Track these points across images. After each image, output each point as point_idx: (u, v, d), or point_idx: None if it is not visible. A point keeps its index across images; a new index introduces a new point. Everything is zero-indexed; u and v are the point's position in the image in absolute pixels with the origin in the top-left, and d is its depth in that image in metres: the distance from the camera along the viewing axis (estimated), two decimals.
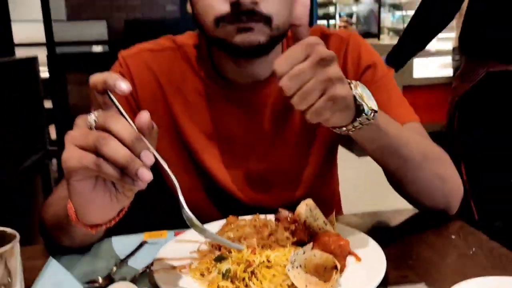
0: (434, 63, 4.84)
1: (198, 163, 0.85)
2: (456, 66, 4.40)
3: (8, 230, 0.48)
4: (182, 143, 0.84)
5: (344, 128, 0.63)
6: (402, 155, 0.72)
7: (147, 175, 0.49)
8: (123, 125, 0.50)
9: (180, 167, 0.84)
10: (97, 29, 4.12)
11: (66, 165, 0.51)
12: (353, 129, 0.63)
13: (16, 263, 0.46)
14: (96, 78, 0.52)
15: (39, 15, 1.86)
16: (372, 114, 0.61)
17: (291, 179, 0.87)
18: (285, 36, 0.77)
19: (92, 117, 0.51)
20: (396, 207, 0.87)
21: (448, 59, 4.59)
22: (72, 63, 1.39)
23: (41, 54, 1.79)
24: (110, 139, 0.49)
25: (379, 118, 0.64)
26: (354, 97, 0.60)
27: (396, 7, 5.68)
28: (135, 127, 0.51)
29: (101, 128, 0.50)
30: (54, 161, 1.58)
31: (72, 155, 0.50)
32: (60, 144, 1.40)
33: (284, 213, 0.70)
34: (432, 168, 0.75)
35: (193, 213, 0.56)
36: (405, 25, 5.68)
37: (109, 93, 0.52)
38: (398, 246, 0.70)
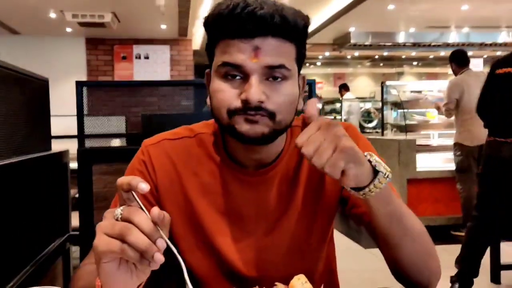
0: (437, 158, 4.99)
1: (210, 241, 0.94)
2: (458, 160, 4.56)
3: None
4: (196, 222, 0.94)
5: (367, 189, 0.75)
6: (405, 224, 0.83)
7: (160, 258, 0.62)
8: (143, 218, 0.63)
9: (192, 244, 0.95)
10: (116, 123, 4.41)
11: (97, 249, 0.64)
12: (373, 189, 0.75)
13: None
14: (123, 180, 0.65)
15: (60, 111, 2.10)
16: (387, 174, 0.75)
17: (294, 253, 0.96)
18: (289, 127, 0.92)
19: (118, 211, 0.64)
20: None
21: (450, 154, 4.74)
22: (98, 156, 1.56)
23: (65, 145, 2.01)
24: (133, 229, 0.62)
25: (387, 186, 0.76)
26: (370, 161, 0.75)
27: (397, 105, 6.00)
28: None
29: (126, 220, 0.63)
30: (75, 249, 1.68)
31: (102, 242, 0.63)
32: (82, 227, 1.52)
33: (280, 286, 0.82)
34: (424, 242, 0.87)
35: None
36: (406, 121, 5.88)
37: (133, 192, 0.65)
38: None
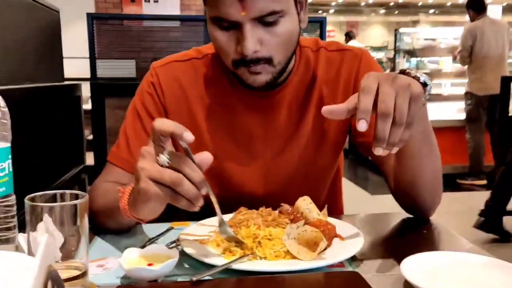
0: (447, 107, 4.96)
1: (216, 163, 0.92)
2: (468, 110, 4.54)
3: (80, 192, 0.63)
4: (202, 145, 0.96)
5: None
6: (432, 140, 0.84)
7: (202, 203, 0.66)
8: (193, 169, 0.65)
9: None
10: (126, 67, 4.40)
11: (147, 194, 0.65)
12: (423, 103, 0.71)
13: (85, 220, 0.60)
14: (163, 126, 0.65)
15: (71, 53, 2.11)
16: (431, 85, 0.72)
17: (302, 174, 0.99)
18: (291, 58, 0.91)
19: (164, 158, 0.64)
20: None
21: (460, 104, 4.71)
22: (111, 90, 1.59)
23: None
24: (184, 180, 0.64)
25: None
26: (417, 77, 0.70)
27: (410, 53, 5.89)
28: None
29: (174, 169, 0.64)
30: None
31: (151, 188, 0.64)
32: (96, 160, 1.58)
33: (285, 206, 0.87)
34: (440, 162, 0.88)
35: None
36: (420, 70, 5.85)
37: (187, 145, 0.66)
38: (377, 235, 0.86)
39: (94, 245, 0.82)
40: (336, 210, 1.10)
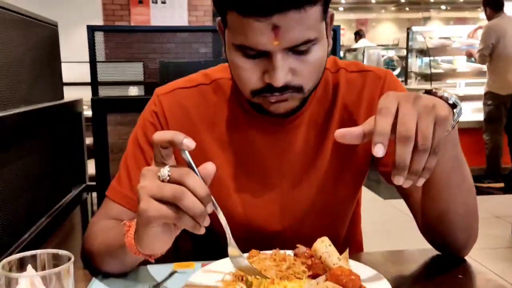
0: (463, 108, 4.83)
1: (229, 198, 0.89)
2: (489, 110, 4.41)
3: (63, 252, 0.56)
4: (213, 178, 0.90)
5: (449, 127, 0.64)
6: (463, 170, 0.74)
7: (208, 222, 0.59)
8: (197, 181, 0.58)
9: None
10: (134, 70, 4.34)
11: (146, 214, 0.59)
12: (453, 126, 0.65)
13: (69, 282, 0.54)
14: (161, 136, 0.60)
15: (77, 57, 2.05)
16: (461, 107, 0.65)
17: (321, 207, 0.90)
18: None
19: (165, 171, 0.59)
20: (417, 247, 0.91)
21: (478, 104, 4.58)
22: (112, 105, 1.51)
23: (82, 93, 1.96)
24: (188, 193, 0.57)
25: None
26: (446, 98, 0.64)
27: (422, 52, 5.75)
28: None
29: (176, 182, 0.58)
30: (94, 194, 1.69)
31: (151, 207, 0.58)
32: (98, 178, 1.50)
33: (302, 248, 0.77)
34: (474, 196, 0.79)
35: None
36: (432, 70, 5.71)
37: (186, 152, 0.60)
38: (407, 283, 0.75)
39: None
40: (355, 245, 1.01)
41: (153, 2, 7.94)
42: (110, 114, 1.54)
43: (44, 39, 1.41)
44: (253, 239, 0.89)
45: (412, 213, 0.88)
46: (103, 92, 2.15)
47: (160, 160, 0.61)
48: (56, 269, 0.52)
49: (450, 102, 0.64)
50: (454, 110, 0.65)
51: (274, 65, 0.71)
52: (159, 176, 0.59)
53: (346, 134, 0.62)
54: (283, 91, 0.75)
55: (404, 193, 0.88)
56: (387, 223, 3.59)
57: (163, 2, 7.96)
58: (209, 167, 0.61)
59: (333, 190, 0.91)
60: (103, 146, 1.49)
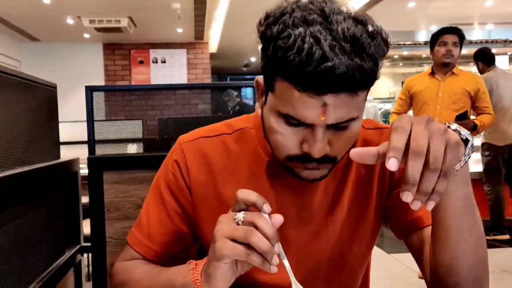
0: None
1: None
2: (487, 161, 4.41)
3: None
4: None
5: (458, 165, 0.64)
6: (474, 213, 0.72)
7: (277, 261, 0.65)
8: (266, 223, 0.66)
9: None
10: (133, 128, 4.37)
11: (220, 251, 0.66)
12: (461, 163, 0.64)
13: None
14: (246, 197, 0.68)
15: (79, 116, 2.08)
16: (472, 142, 0.65)
17: (337, 262, 0.89)
18: None
19: (241, 215, 0.68)
20: None
21: (475, 155, 4.59)
22: (109, 164, 1.50)
23: (80, 151, 1.96)
24: (257, 232, 0.65)
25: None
26: (458, 131, 0.65)
27: None
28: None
29: (249, 223, 0.66)
30: (85, 255, 1.64)
31: (226, 245, 0.66)
32: (94, 238, 1.46)
33: None
34: (485, 242, 0.76)
35: None
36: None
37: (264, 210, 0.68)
38: None
39: None
40: None
41: (153, 62, 8.16)
42: (107, 172, 1.53)
43: (43, 100, 1.42)
44: None
45: (421, 269, 0.85)
46: (101, 150, 2.16)
47: (238, 210, 0.69)
48: None
49: (462, 136, 0.64)
50: (466, 146, 0.65)
51: (316, 138, 0.72)
52: (235, 219, 0.68)
53: (362, 154, 0.64)
54: (318, 162, 0.75)
55: (413, 247, 0.86)
56: (394, 278, 3.48)
57: (163, 62, 8.19)
58: (278, 218, 0.69)
59: (348, 245, 0.90)
60: (99, 205, 1.46)
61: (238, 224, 0.67)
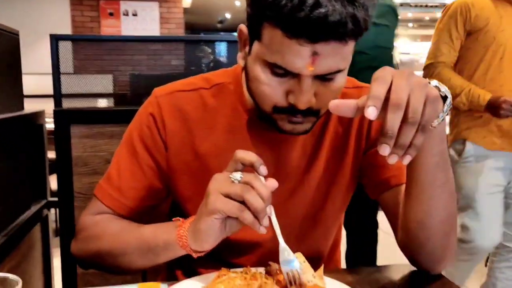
0: None
1: None
2: None
3: (11, 276, 0.50)
4: (206, 184, 0.84)
5: (435, 121, 0.64)
6: (448, 169, 0.73)
7: (267, 224, 0.67)
8: (262, 184, 0.67)
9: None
10: (103, 82, 4.24)
11: (213, 205, 0.67)
12: (438, 120, 0.64)
13: None
14: (245, 156, 0.69)
15: (49, 68, 1.98)
16: (450, 99, 0.65)
17: (311, 219, 0.90)
18: None
19: (238, 175, 0.68)
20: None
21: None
22: (77, 117, 1.45)
23: (49, 106, 1.87)
24: (253, 191, 0.66)
25: None
26: (438, 87, 0.65)
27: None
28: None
29: (246, 183, 0.67)
30: (52, 211, 1.60)
31: (219, 199, 0.67)
32: (61, 193, 1.43)
33: (274, 266, 0.73)
34: (455, 201, 0.78)
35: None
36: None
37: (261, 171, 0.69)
38: None
39: None
40: (334, 262, 1.00)
41: (124, 15, 7.85)
42: (75, 126, 1.47)
43: (4, 47, 1.34)
44: (241, 248, 0.88)
45: (392, 226, 0.87)
46: (69, 104, 2.07)
47: (234, 170, 0.69)
48: None
49: (442, 93, 0.64)
50: (445, 103, 0.65)
51: (302, 89, 0.71)
52: (230, 178, 0.68)
53: (340, 105, 0.63)
54: (304, 114, 0.74)
55: (386, 205, 0.88)
56: None
57: (134, 15, 7.88)
58: (272, 182, 0.70)
59: (322, 203, 0.90)
60: (66, 160, 1.42)
61: (233, 182, 0.68)
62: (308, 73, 0.69)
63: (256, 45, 0.73)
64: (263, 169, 0.68)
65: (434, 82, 0.65)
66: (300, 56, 0.67)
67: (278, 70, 0.71)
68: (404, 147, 0.58)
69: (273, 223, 0.72)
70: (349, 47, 0.70)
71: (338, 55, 0.69)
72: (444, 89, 0.65)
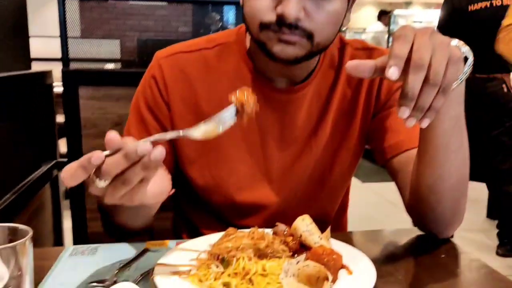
0: None
1: (226, 167, 0.87)
2: None
3: (21, 226, 0.51)
4: (211, 146, 0.85)
5: (455, 83, 0.62)
6: (463, 132, 0.72)
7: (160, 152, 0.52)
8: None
9: (205, 169, 0.87)
10: (110, 47, 4.20)
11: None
12: (461, 79, 0.63)
13: (27, 259, 0.49)
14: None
15: (56, 32, 1.96)
16: (471, 59, 0.63)
17: (318, 181, 0.90)
18: (328, 47, 0.81)
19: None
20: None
21: None
22: (85, 78, 1.44)
23: (56, 69, 1.87)
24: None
25: None
26: (459, 48, 0.62)
27: None
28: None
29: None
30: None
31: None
32: (70, 154, 1.44)
33: (281, 227, 0.74)
34: (468, 166, 0.76)
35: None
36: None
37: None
38: (390, 262, 0.73)
39: (54, 273, 0.68)
40: (341, 227, 1.00)
41: None
42: (82, 88, 1.47)
43: (10, 8, 1.32)
44: (247, 209, 0.88)
45: (400, 190, 0.86)
46: (76, 67, 2.06)
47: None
48: (11, 244, 0.47)
49: (463, 53, 0.61)
50: (465, 64, 0.62)
51: None
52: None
53: (358, 66, 0.61)
54: (292, 29, 0.72)
55: (394, 169, 0.86)
56: (368, 206, 3.61)
57: None
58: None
59: (329, 166, 0.90)
60: (75, 121, 1.42)
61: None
62: None
63: None
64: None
65: (455, 42, 0.62)
66: None
67: None
68: (423, 110, 0.57)
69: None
70: None
71: None
72: (465, 49, 0.63)
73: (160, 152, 0.53)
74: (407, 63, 0.55)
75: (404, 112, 0.56)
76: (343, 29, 0.81)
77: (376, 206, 3.77)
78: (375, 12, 14.38)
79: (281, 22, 0.72)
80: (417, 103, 0.56)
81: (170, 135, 0.60)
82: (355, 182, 4.25)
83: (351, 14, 0.82)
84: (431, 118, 0.58)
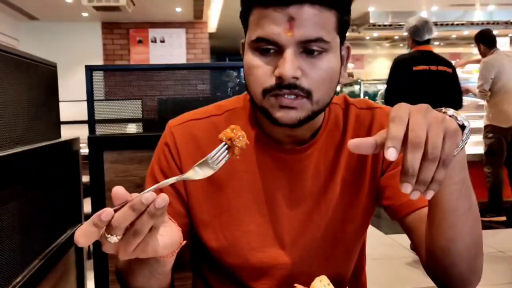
0: None
1: (238, 228, 0.88)
2: (490, 143, 4.40)
3: None
4: (223, 208, 0.88)
5: (456, 151, 0.62)
6: (471, 195, 0.72)
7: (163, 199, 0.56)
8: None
9: (218, 231, 0.88)
10: (132, 107, 4.36)
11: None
12: (461, 146, 0.64)
13: None
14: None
15: (80, 95, 2.07)
16: (469, 128, 0.65)
17: (331, 242, 0.90)
18: (328, 105, 0.84)
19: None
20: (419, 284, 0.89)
21: (475, 137, 4.58)
22: (109, 143, 1.51)
23: (79, 132, 1.96)
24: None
25: None
26: (455, 117, 0.64)
27: None
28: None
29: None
30: None
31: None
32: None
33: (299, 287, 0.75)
34: (480, 225, 0.76)
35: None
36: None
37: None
38: None
39: None
40: (359, 286, 0.99)
41: (152, 42, 8.09)
42: (107, 152, 1.54)
43: (43, 79, 1.42)
44: (261, 271, 0.89)
45: (416, 249, 0.86)
46: (101, 130, 2.15)
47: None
48: None
49: (459, 122, 0.64)
50: (463, 132, 0.64)
51: (285, 58, 0.75)
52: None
53: (359, 144, 0.62)
54: (291, 89, 0.76)
55: (408, 228, 0.87)
56: (391, 259, 3.52)
57: (162, 41, 8.12)
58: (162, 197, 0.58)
59: (341, 225, 0.90)
60: (100, 184, 1.48)
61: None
62: (288, 39, 0.74)
63: (246, 37, 0.80)
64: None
65: (450, 112, 0.65)
66: (277, 22, 0.74)
67: (262, 45, 0.76)
68: (426, 183, 0.58)
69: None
70: (325, 18, 0.75)
71: (315, 23, 0.74)
72: (461, 118, 0.65)
73: (163, 198, 0.57)
74: (405, 140, 0.57)
75: (407, 188, 0.58)
76: (355, 80, 0.85)
77: (398, 258, 3.67)
78: (388, 64, 14.61)
79: (280, 84, 0.76)
80: (419, 178, 0.57)
81: (170, 180, 0.65)
82: (378, 234, 4.19)
83: (346, 72, 0.86)
84: (435, 190, 0.59)
